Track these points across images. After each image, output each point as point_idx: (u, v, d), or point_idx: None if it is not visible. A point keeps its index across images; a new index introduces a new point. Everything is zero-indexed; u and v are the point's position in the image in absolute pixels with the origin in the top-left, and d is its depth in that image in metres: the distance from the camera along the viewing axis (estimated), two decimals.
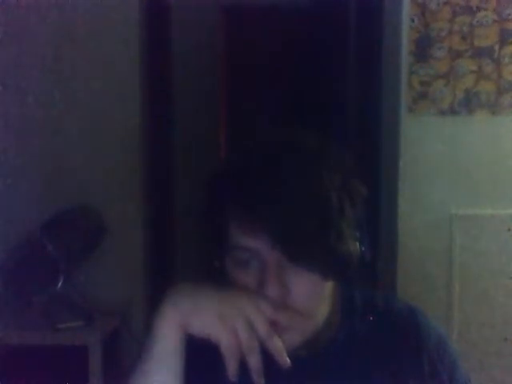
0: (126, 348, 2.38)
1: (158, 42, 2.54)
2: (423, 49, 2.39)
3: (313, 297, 0.88)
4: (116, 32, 2.43)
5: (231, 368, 0.80)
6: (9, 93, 2.39)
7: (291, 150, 0.88)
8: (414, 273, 2.43)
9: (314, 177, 0.85)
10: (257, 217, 0.83)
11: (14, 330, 2.21)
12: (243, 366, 0.82)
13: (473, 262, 2.44)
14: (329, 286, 0.91)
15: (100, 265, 2.38)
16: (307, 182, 0.85)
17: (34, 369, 2.11)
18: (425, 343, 0.97)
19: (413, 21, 2.39)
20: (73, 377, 2.05)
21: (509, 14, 2.38)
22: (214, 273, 0.92)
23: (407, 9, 2.37)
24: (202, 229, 0.94)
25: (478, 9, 2.37)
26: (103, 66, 2.44)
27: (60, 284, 2.21)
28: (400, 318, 0.99)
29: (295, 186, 0.84)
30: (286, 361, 0.82)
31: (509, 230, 2.42)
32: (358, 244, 0.87)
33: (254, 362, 0.81)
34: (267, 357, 0.85)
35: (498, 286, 2.43)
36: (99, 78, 2.44)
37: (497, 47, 2.39)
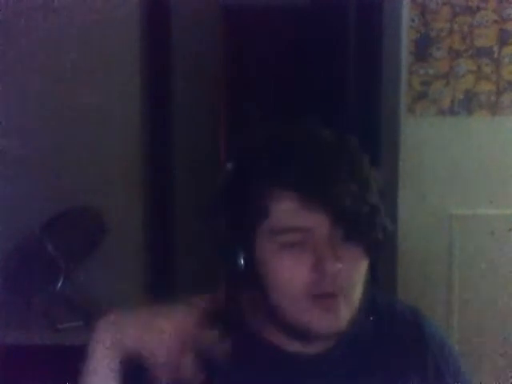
0: None
1: (157, 42, 2.54)
2: (423, 49, 2.39)
3: (358, 274, 0.90)
4: (116, 32, 2.43)
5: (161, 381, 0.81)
6: (9, 93, 2.39)
7: (340, 139, 0.92)
8: (414, 273, 2.43)
9: (360, 159, 0.90)
10: (320, 194, 0.84)
11: (14, 330, 2.20)
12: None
13: (473, 262, 2.44)
14: (365, 271, 0.92)
15: (100, 265, 2.38)
16: (357, 164, 0.89)
17: (34, 369, 2.11)
18: (429, 345, 0.97)
19: (413, 21, 2.39)
20: (73, 377, 2.05)
21: (509, 14, 2.38)
22: (241, 265, 0.90)
23: (407, 9, 2.37)
24: (228, 219, 0.90)
25: (478, 9, 2.37)
26: (103, 65, 2.44)
27: (60, 284, 2.21)
28: (403, 319, 0.99)
29: (350, 168, 0.87)
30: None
31: (509, 230, 2.42)
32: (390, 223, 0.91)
33: (185, 374, 0.82)
34: (271, 356, 0.86)
35: (497, 286, 2.43)
36: (99, 78, 2.44)
37: (496, 47, 2.39)
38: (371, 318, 0.98)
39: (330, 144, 0.90)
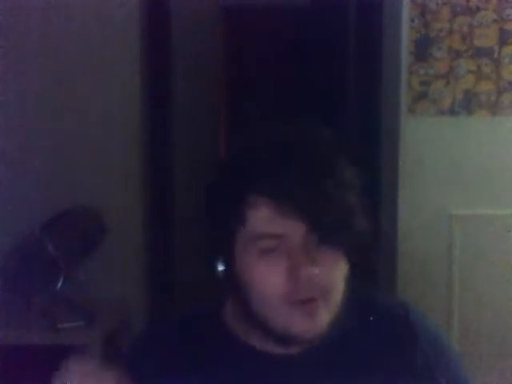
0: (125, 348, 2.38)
1: (157, 42, 2.54)
2: (423, 49, 2.40)
3: (336, 277, 0.89)
4: (116, 32, 2.43)
5: None
6: (9, 93, 2.39)
7: (312, 138, 0.91)
8: (414, 273, 2.43)
9: (336, 163, 0.89)
10: (294, 201, 0.84)
11: (14, 330, 2.21)
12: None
13: (473, 262, 2.44)
14: (344, 273, 0.91)
15: (100, 265, 2.38)
16: (332, 166, 0.88)
17: (34, 369, 2.11)
18: (418, 340, 0.96)
19: (413, 21, 2.39)
20: None
21: (509, 14, 2.38)
22: (222, 272, 0.91)
23: (407, 9, 2.38)
24: (208, 226, 0.93)
25: (478, 9, 2.37)
26: (103, 65, 2.44)
27: (60, 284, 2.21)
28: (391, 315, 0.99)
29: (323, 171, 0.87)
30: None
31: (509, 230, 2.42)
32: (371, 226, 0.91)
33: None
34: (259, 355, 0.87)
35: (497, 285, 2.43)
36: (99, 78, 2.44)
37: (497, 47, 2.39)
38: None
39: (306, 148, 0.89)
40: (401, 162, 2.41)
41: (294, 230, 0.86)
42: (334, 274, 0.89)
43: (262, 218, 0.86)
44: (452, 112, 2.42)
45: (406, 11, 2.38)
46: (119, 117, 2.46)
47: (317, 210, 0.85)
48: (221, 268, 0.91)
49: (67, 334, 2.18)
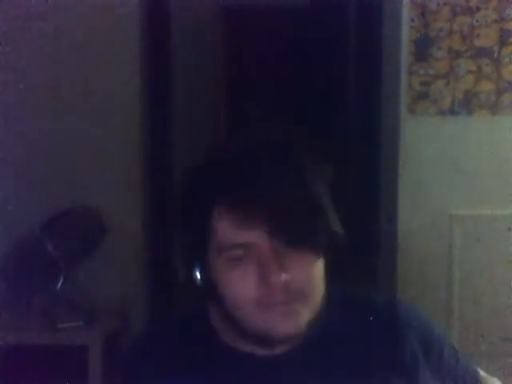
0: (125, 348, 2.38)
1: (157, 42, 2.54)
2: (423, 49, 2.39)
3: (311, 277, 0.89)
4: (116, 32, 2.43)
5: None
6: (9, 93, 2.39)
7: (273, 144, 0.91)
8: (414, 273, 2.43)
9: (299, 166, 0.89)
10: (254, 211, 0.85)
11: (14, 330, 2.21)
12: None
13: (473, 262, 2.44)
14: (321, 272, 0.92)
15: (100, 265, 2.38)
16: (294, 172, 0.88)
17: (34, 369, 2.11)
18: (404, 333, 0.96)
19: (413, 21, 2.39)
20: (73, 377, 2.05)
21: (509, 14, 2.38)
22: (197, 283, 0.92)
23: (407, 9, 2.38)
24: (179, 235, 0.94)
25: (478, 9, 2.37)
26: (103, 65, 2.44)
27: (60, 284, 2.21)
28: (376, 312, 0.98)
29: (284, 177, 0.87)
30: None
31: (509, 230, 2.42)
32: (339, 223, 0.91)
33: None
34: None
35: (497, 285, 2.43)
36: (99, 78, 2.44)
37: (497, 47, 2.39)
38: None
39: (268, 155, 0.89)
40: (401, 162, 2.41)
41: (259, 237, 0.86)
42: (307, 275, 0.89)
43: (227, 228, 0.87)
44: (452, 112, 2.42)
45: (406, 11, 2.38)
46: (119, 117, 2.46)
47: (278, 216, 0.85)
48: (196, 274, 0.92)
49: (67, 333, 2.18)
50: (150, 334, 1.05)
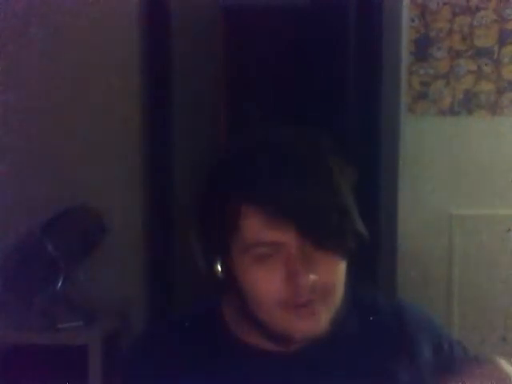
0: (125, 348, 2.38)
1: (157, 42, 2.54)
2: (423, 49, 2.40)
3: (336, 278, 0.90)
4: (116, 32, 2.43)
5: None
6: (9, 93, 2.39)
7: (300, 144, 0.90)
8: (414, 273, 2.43)
9: (326, 167, 0.89)
10: (283, 210, 0.84)
11: (14, 330, 2.21)
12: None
13: (473, 262, 2.44)
14: (344, 273, 0.92)
15: (100, 265, 2.38)
16: (324, 170, 0.88)
17: (34, 369, 2.12)
18: (408, 333, 0.97)
19: (413, 21, 2.39)
20: (73, 377, 2.05)
21: (509, 14, 2.38)
22: (218, 278, 0.92)
23: (407, 9, 2.38)
24: (202, 234, 0.93)
25: (478, 9, 2.37)
26: (103, 65, 2.44)
27: (60, 284, 2.21)
28: (384, 312, 0.99)
29: (312, 177, 0.87)
30: None
31: (509, 230, 2.42)
32: (362, 224, 0.91)
33: None
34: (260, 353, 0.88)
35: (497, 285, 2.43)
36: (99, 78, 2.44)
37: (496, 47, 2.39)
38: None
39: (296, 154, 0.89)
40: (401, 162, 2.41)
41: (287, 237, 0.86)
42: (332, 276, 0.89)
43: (255, 226, 0.86)
44: (452, 112, 2.42)
45: (406, 11, 2.38)
46: (119, 117, 2.46)
47: (308, 217, 0.85)
48: (218, 270, 0.91)
49: (67, 333, 2.18)
50: (150, 334, 1.05)
